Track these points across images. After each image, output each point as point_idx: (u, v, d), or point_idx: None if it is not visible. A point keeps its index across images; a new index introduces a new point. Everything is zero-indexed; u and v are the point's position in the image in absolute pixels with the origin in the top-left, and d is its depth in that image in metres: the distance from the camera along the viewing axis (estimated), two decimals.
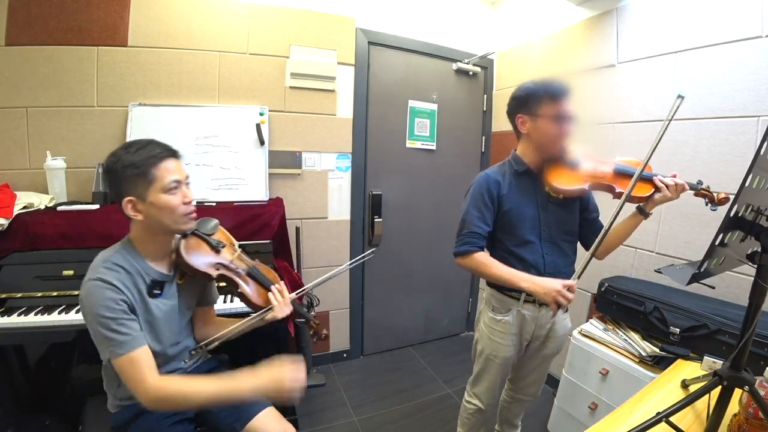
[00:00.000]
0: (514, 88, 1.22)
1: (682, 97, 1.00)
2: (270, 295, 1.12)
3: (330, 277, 1.26)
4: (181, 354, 1.10)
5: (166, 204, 0.93)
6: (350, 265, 1.35)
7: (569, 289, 1.05)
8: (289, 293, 1.17)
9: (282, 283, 1.17)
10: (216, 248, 1.09)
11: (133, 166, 0.91)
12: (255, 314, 1.11)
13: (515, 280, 1.13)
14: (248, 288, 1.12)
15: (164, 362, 1.03)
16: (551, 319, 1.27)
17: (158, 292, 1.01)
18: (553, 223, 1.23)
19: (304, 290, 1.27)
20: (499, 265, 1.17)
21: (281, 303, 1.11)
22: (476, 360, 1.39)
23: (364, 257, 1.36)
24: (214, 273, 1.07)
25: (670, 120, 1.00)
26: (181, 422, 1.07)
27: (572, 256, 1.29)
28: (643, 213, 1.16)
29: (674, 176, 1.12)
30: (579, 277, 1.07)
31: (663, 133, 1.02)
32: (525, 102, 1.18)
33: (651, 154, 1.05)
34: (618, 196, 1.16)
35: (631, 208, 1.18)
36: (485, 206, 1.20)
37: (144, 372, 0.87)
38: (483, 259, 1.19)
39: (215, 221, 1.14)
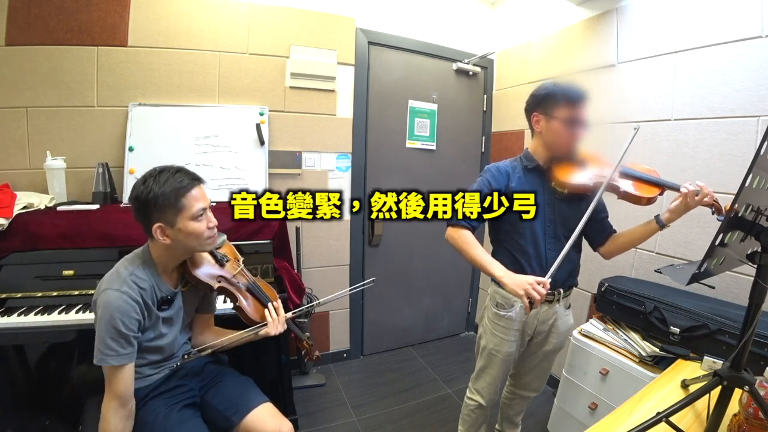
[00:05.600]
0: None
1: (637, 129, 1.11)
2: (266, 311, 1.17)
3: (324, 302, 1.39)
4: (177, 354, 1.15)
5: (194, 231, 1.00)
6: (350, 291, 1.42)
7: (542, 285, 1.00)
8: (290, 295, 1.19)
9: (279, 302, 1.22)
10: (220, 262, 1.15)
11: (163, 196, 0.96)
12: (250, 329, 1.15)
13: (490, 268, 1.11)
14: (246, 303, 1.16)
15: (163, 360, 1.11)
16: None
17: (166, 307, 1.08)
18: (558, 219, 1.25)
19: (300, 311, 1.32)
20: (480, 249, 1.16)
21: (275, 321, 1.16)
22: (479, 355, 1.40)
23: (364, 285, 1.40)
24: (215, 285, 1.12)
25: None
26: (188, 406, 1.11)
27: (574, 253, 1.29)
28: (659, 223, 1.15)
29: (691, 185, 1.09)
30: (551, 276, 1.03)
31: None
32: (542, 101, 1.20)
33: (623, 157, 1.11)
34: (622, 195, 1.17)
35: (648, 214, 1.19)
36: (489, 190, 1.21)
37: (119, 385, 0.95)
38: (469, 238, 1.19)
39: (223, 237, 1.19)
